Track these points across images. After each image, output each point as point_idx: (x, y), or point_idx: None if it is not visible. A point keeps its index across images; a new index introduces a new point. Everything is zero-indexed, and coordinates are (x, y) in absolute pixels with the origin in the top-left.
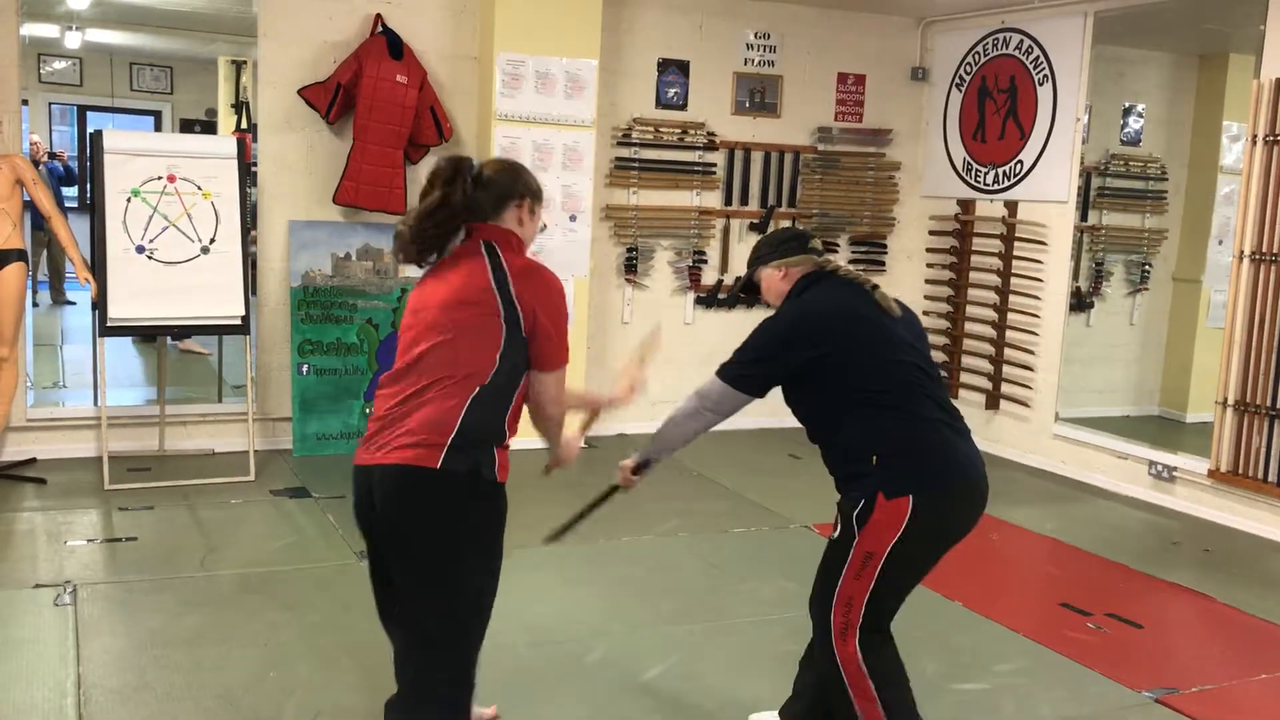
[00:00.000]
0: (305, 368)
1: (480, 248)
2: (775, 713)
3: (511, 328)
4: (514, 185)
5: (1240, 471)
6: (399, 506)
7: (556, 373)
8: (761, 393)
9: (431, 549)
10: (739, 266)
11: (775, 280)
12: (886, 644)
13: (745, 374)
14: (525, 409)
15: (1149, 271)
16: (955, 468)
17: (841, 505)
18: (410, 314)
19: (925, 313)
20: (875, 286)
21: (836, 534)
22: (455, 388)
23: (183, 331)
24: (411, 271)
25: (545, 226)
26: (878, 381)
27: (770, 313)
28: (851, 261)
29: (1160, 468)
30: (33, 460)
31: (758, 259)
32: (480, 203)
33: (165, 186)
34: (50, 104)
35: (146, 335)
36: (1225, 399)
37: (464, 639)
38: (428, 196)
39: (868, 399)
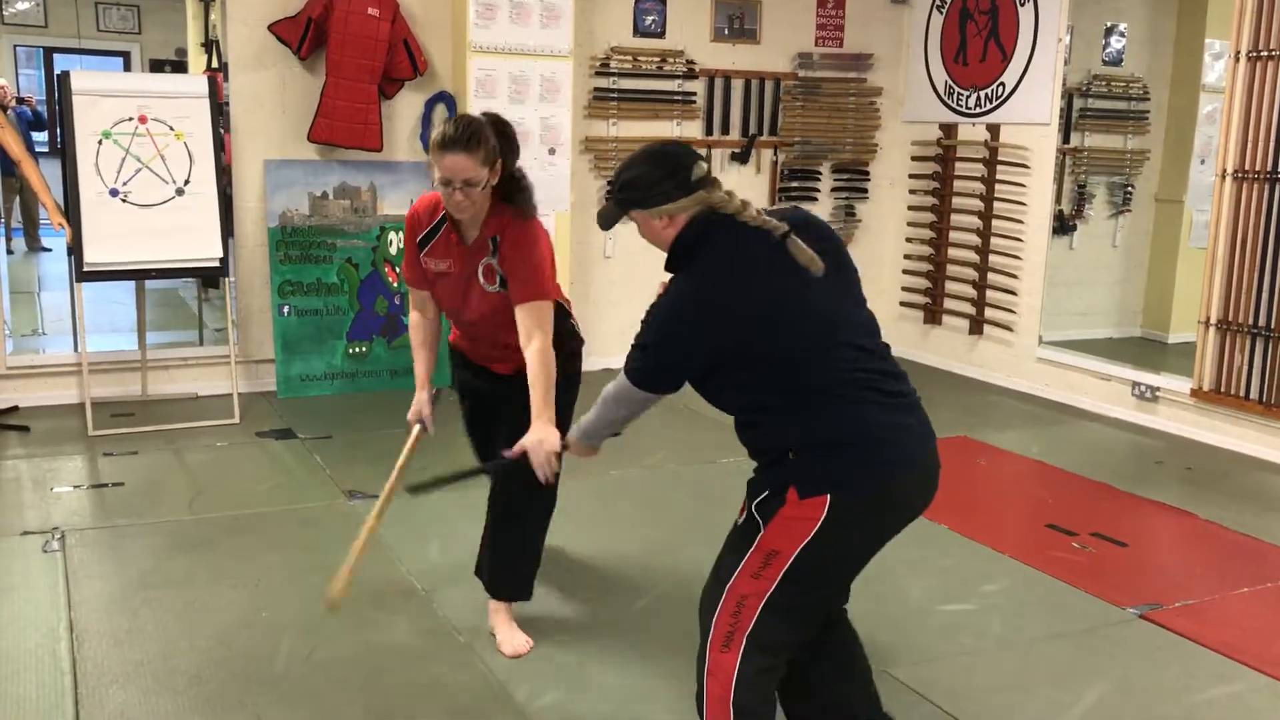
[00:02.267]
0: (286, 309)
1: None
2: None
3: None
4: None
5: (1223, 390)
6: None
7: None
8: (672, 390)
9: None
10: None
11: (657, 229)
12: (769, 684)
13: (652, 371)
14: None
15: (1131, 193)
16: (889, 463)
17: (750, 485)
18: None
19: (908, 239)
20: (787, 233)
21: (741, 519)
22: None
23: (160, 275)
24: (390, 209)
25: (447, 190)
26: (803, 374)
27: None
28: (834, 190)
29: (1143, 388)
30: (15, 408)
31: (628, 200)
32: None
33: (137, 128)
34: (15, 46)
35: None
36: (1208, 318)
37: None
38: None
39: (792, 393)
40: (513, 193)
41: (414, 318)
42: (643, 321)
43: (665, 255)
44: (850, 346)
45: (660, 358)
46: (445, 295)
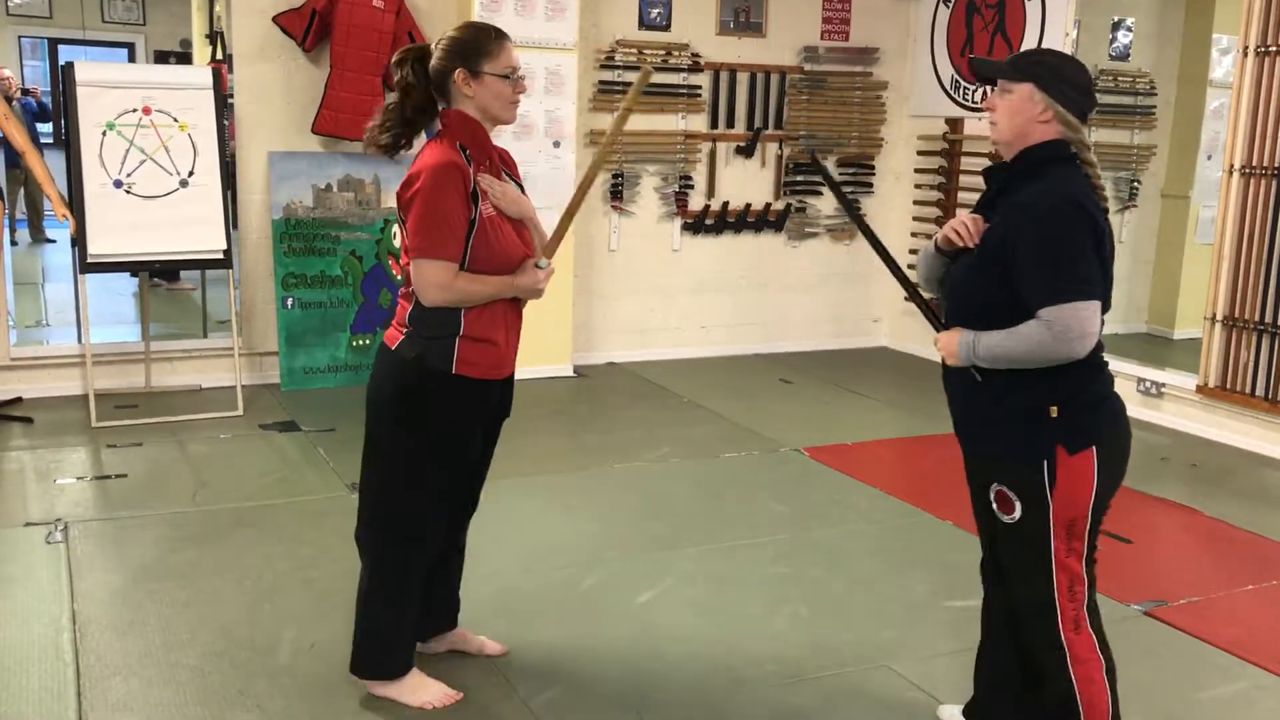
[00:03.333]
0: (290, 301)
1: (430, 140)
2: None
3: None
4: (444, 58)
5: (1228, 386)
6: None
7: (419, 262)
8: (1103, 304)
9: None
10: (726, 191)
11: (1033, 113)
12: (1098, 617)
13: (1087, 277)
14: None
15: (1137, 188)
16: (1124, 417)
17: (1006, 475)
18: None
19: (913, 234)
20: (1106, 200)
21: (1015, 516)
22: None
23: (165, 267)
24: (394, 202)
25: (515, 79)
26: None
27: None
28: (840, 184)
29: (1149, 384)
30: (18, 399)
31: (1038, 76)
32: (437, 86)
33: (141, 119)
34: (20, 37)
35: (163, 272)
36: (1214, 314)
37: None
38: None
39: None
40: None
41: (449, 276)
42: (1025, 237)
43: (1000, 138)
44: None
45: (1078, 256)
46: (500, 239)
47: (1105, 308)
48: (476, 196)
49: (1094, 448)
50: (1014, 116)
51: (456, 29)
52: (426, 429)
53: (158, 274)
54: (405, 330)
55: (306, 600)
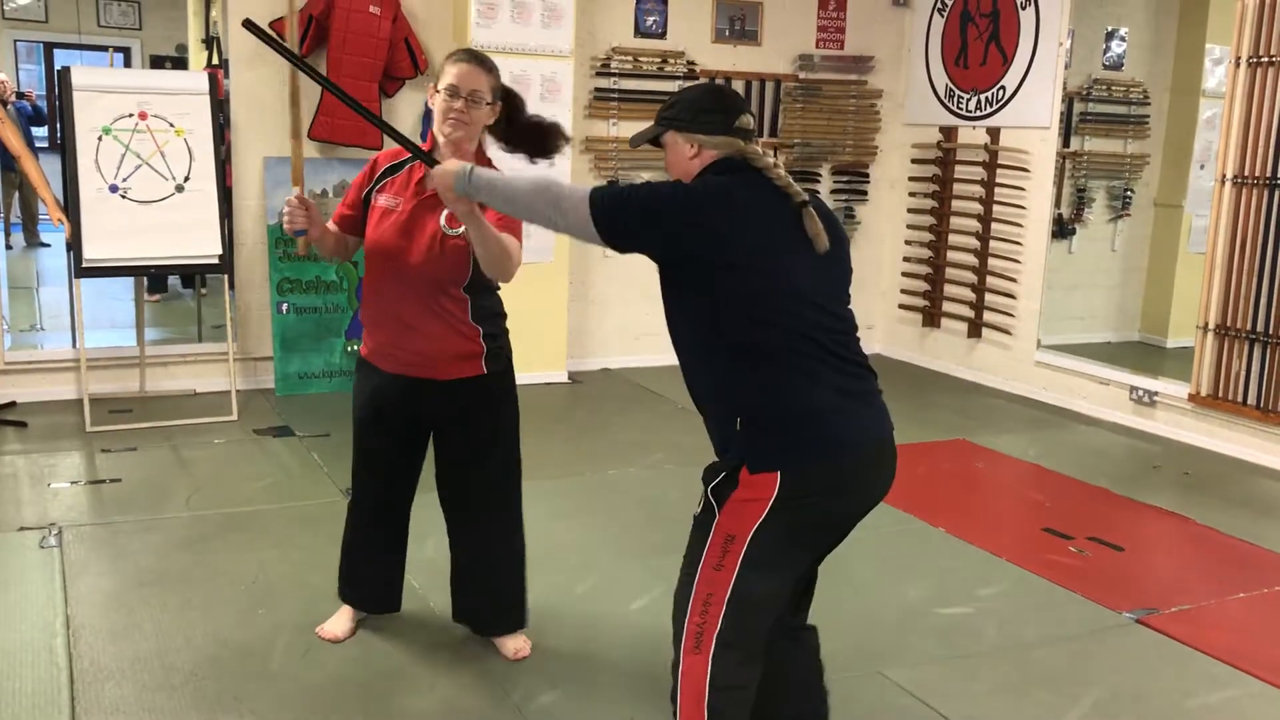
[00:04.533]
0: (285, 306)
1: None
2: None
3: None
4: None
5: (1220, 395)
6: None
7: None
8: (618, 244)
9: None
10: None
11: (684, 155)
12: (745, 686)
13: (618, 201)
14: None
15: (1131, 197)
16: (840, 442)
17: (705, 472)
18: None
19: (908, 242)
20: (805, 203)
21: (699, 509)
22: None
23: (160, 271)
24: None
25: (447, 96)
26: (770, 332)
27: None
28: (834, 192)
29: (1141, 393)
30: (12, 404)
31: (670, 119)
32: None
33: (137, 124)
34: (15, 41)
35: (152, 284)
36: (1206, 323)
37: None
38: None
39: (748, 346)
40: (516, 141)
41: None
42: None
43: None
44: (820, 329)
45: (647, 207)
46: (386, 234)
47: (759, 300)
48: (378, 183)
49: (778, 473)
50: (675, 166)
51: None
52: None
53: (151, 283)
54: None
55: (300, 606)
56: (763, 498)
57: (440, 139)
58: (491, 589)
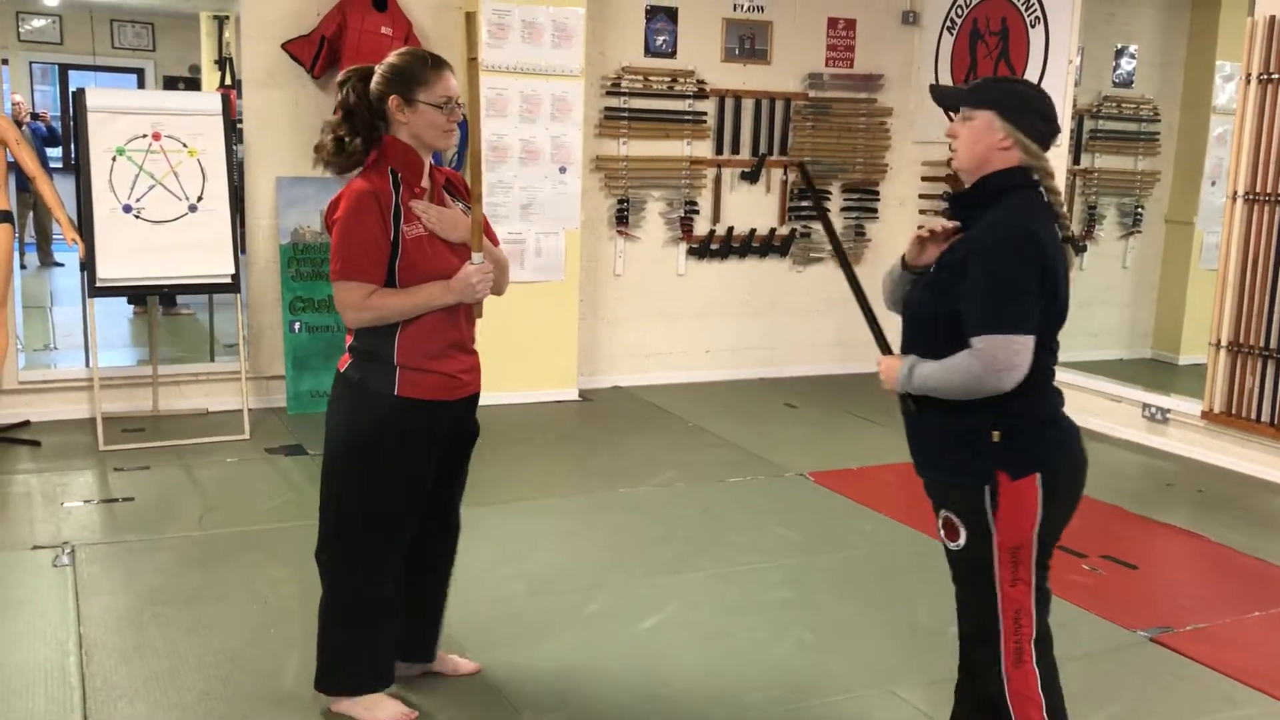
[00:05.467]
0: (297, 325)
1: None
2: None
3: None
4: (381, 85)
5: (1233, 412)
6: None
7: (336, 284)
8: (1033, 329)
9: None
10: (731, 216)
11: (993, 140)
12: (1049, 647)
13: (1024, 312)
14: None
15: (1141, 214)
16: (1071, 443)
17: (951, 501)
18: None
19: None
20: (1070, 237)
21: (960, 543)
22: None
23: (173, 291)
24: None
25: (449, 108)
26: (1049, 355)
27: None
28: (844, 209)
29: (1154, 410)
30: (26, 423)
31: (996, 101)
32: (376, 110)
33: (150, 145)
34: (31, 63)
35: (136, 297)
36: (1219, 340)
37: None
38: None
39: (1042, 365)
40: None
41: (360, 296)
42: (972, 265)
43: (960, 165)
44: (1055, 349)
45: (1012, 293)
46: (444, 258)
47: (1050, 328)
48: (399, 219)
49: (1038, 474)
50: (974, 144)
51: (397, 55)
52: (376, 454)
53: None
54: (351, 353)
55: (312, 625)
56: (1031, 501)
57: (439, 150)
58: (429, 610)
